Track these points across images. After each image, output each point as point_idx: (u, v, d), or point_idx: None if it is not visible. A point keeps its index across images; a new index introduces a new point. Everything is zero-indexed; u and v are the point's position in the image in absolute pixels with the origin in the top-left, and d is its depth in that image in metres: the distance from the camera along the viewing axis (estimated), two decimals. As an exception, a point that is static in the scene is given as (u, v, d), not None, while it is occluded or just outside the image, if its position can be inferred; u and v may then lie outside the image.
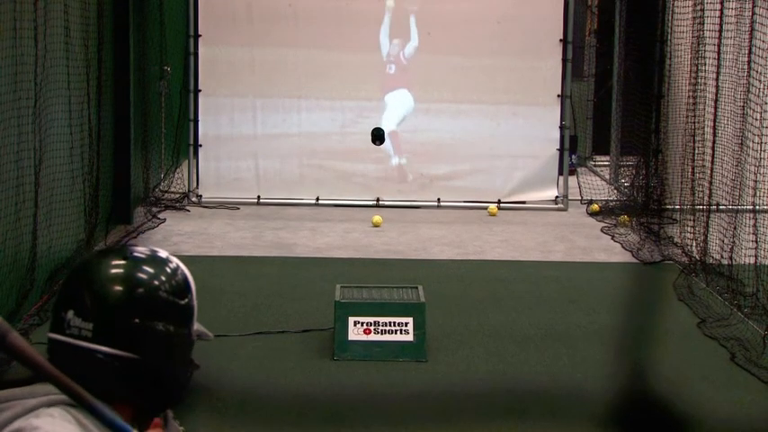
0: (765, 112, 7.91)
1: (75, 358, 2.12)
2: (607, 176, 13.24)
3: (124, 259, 2.24)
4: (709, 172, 9.11)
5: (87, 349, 2.15)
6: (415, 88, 11.95)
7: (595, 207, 11.75)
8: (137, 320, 2.18)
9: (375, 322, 6.56)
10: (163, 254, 2.31)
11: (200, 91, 11.81)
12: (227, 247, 9.83)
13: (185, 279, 2.28)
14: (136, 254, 2.26)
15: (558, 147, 11.96)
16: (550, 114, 11.92)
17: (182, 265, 2.31)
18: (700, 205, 9.11)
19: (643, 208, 10.80)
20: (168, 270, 2.26)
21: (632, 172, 11.57)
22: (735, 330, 7.13)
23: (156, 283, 2.22)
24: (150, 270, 2.23)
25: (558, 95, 11.90)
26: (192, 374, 2.32)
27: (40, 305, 7.20)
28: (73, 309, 2.16)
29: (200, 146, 11.89)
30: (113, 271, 2.21)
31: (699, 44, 9.30)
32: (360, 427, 5.58)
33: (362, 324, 6.56)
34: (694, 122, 9.41)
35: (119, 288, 2.19)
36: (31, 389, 2.13)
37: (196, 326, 2.31)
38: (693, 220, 9.15)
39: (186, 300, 2.26)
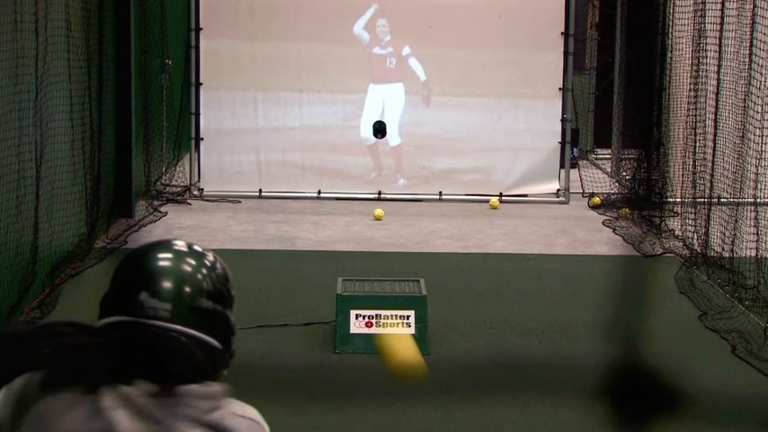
0: (766, 104, 7.91)
1: (147, 338, 2.14)
2: (608, 169, 13.24)
3: (188, 247, 2.32)
4: (710, 165, 9.10)
5: (164, 328, 2.17)
6: (411, 81, 11.93)
7: (597, 200, 11.75)
8: (210, 303, 2.24)
9: (377, 315, 6.57)
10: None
11: (201, 84, 11.81)
12: (228, 240, 9.84)
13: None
14: (187, 243, 2.35)
15: (560, 140, 11.95)
16: (552, 107, 11.91)
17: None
18: (701, 198, 9.12)
19: (644, 201, 10.80)
20: (220, 261, 2.35)
21: (634, 165, 11.56)
22: (736, 323, 7.14)
23: (222, 270, 2.31)
24: (213, 258, 2.33)
25: (560, 88, 11.89)
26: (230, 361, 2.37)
27: (41, 298, 7.21)
28: (147, 290, 2.18)
29: (202, 139, 11.89)
30: (187, 257, 2.28)
31: (700, 37, 9.29)
32: (361, 419, 5.59)
33: (364, 317, 6.57)
34: (695, 115, 9.41)
35: (195, 271, 2.26)
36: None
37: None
38: (695, 213, 9.16)
39: (233, 291, 2.34)
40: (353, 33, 11.83)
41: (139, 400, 2.10)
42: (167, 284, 2.20)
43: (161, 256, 2.27)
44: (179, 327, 2.17)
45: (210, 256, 2.33)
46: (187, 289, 2.21)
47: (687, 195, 9.58)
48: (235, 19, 11.76)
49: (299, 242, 9.83)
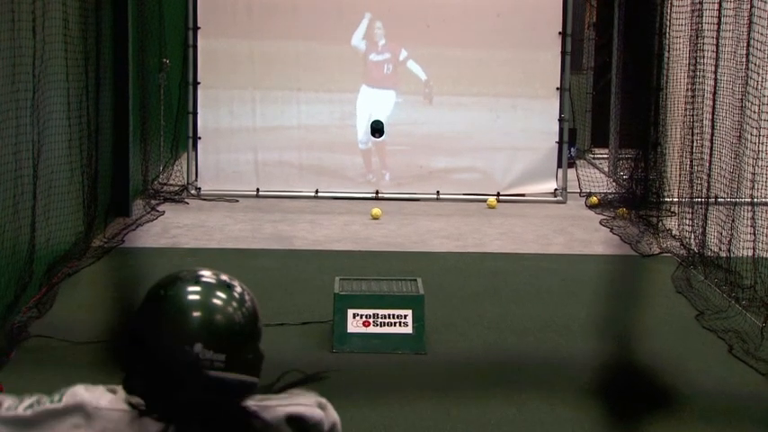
0: (763, 104, 7.92)
1: (202, 388, 2.16)
2: (606, 169, 13.24)
3: (227, 287, 2.28)
4: (707, 164, 9.12)
5: (220, 379, 2.17)
6: (407, 85, 11.93)
7: (594, 200, 11.76)
8: (257, 345, 2.27)
9: (374, 314, 6.57)
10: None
11: (199, 83, 11.81)
12: (226, 239, 9.83)
13: None
14: (221, 278, 2.30)
15: (557, 139, 11.96)
16: (549, 107, 11.92)
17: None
18: (698, 198, 9.12)
19: (642, 200, 10.81)
20: (247, 291, 2.32)
21: (631, 164, 11.57)
22: (733, 322, 7.14)
23: (251, 302, 2.29)
24: (242, 289, 2.29)
25: (558, 88, 11.90)
26: None
27: (38, 297, 7.20)
28: (201, 342, 2.16)
29: (200, 138, 11.89)
30: (227, 301, 2.24)
31: (697, 37, 9.30)
32: (359, 419, 5.58)
33: (361, 316, 6.57)
34: (693, 115, 9.41)
35: (242, 317, 2.24)
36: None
37: None
38: (692, 213, 9.16)
39: (261, 323, 2.35)
40: (352, 46, 11.83)
41: None
42: (223, 334, 2.19)
43: (215, 303, 2.23)
44: (235, 375, 2.19)
45: (239, 287, 2.29)
46: (243, 337, 2.22)
47: (684, 195, 9.59)
48: (233, 18, 11.76)
49: (297, 241, 9.83)
